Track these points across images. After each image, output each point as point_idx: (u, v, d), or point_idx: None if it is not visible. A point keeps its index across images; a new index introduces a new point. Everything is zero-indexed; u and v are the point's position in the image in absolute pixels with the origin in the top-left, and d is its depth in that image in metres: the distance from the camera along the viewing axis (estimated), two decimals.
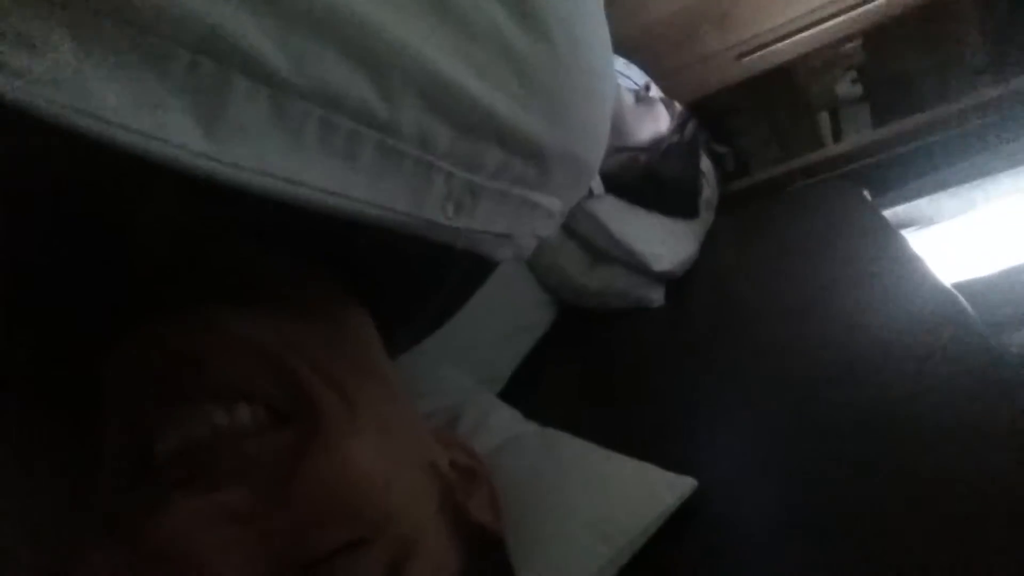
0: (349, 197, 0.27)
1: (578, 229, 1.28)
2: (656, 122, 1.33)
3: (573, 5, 0.35)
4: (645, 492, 0.68)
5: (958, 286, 0.92)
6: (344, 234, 0.33)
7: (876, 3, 1.40)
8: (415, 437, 0.39)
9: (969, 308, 0.85)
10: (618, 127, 1.33)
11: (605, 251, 1.26)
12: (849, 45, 1.65)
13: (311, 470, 0.30)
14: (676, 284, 1.28)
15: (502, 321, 1.18)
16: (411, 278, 0.44)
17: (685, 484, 0.69)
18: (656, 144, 1.32)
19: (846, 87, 1.68)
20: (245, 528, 0.29)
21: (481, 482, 0.42)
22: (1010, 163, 1.21)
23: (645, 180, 1.30)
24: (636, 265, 1.23)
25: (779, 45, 1.54)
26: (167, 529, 0.28)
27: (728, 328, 1.06)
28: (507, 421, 0.84)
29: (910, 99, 1.57)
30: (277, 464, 0.31)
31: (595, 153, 0.42)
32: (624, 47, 1.45)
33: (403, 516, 0.33)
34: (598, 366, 1.11)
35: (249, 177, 0.23)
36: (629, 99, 1.32)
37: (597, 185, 1.29)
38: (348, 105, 0.25)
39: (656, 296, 1.25)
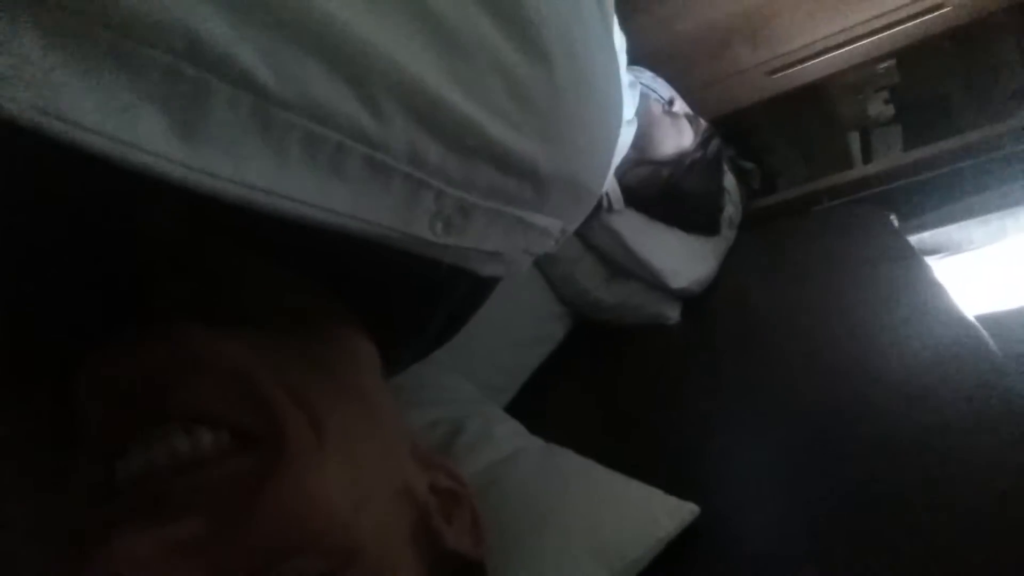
0: (331, 210, 0.26)
1: (596, 242, 1.27)
2: (680, 137, 1.32)
3: (576, 29, 0.34)
4: (647, 516, 0.67)
5: (983, 318, 0.90)
6: (346, 250, 0.33)
7: (912, 23, 1.37)
8: (390, 462, 0.37)
9: (991, 342, 0.83)
10: (643, 140, 1.31)
11: (623, 266, 1.25)
12: (883, 65, 1.62)
13: (271, 498, 0.29)
14: (693, 302, 1.27)
15: (515, 331, 1.18)
16: (414, 295, 0.43)
17: (687, 510, 0.68)
18: (680, 159, 1.30)
19: (878, 107, 1.65)
20: (200, 560, 0.27)
21: (463, 505, 0.40)
22: None
23: (667, 195, 1.28)
24: (654, 281, 1.22)
25: (811, 63, 1.51)
26: (113, 561, 0.27)
27: (744, 349, 1.05)
28: (511, 434, 0.84)
29: (943, 122, 1.54)
30: (237, 491, 0.29)
31: (596, 176, 0.41)
32: (652, 59, 1.44)
33: (371, 547, 0.32)
34: (609, 382, 1.10)
35: (225, 186, 0.23)
36: (656, 110, 1.31)
37: (617, 200, 1.28)
38: (335, 119, 0.25)
39: (672, 313, 1.24)
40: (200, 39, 0.20)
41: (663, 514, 0.68)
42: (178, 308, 0.34)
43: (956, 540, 0.59)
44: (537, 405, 1.05)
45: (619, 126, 0.46)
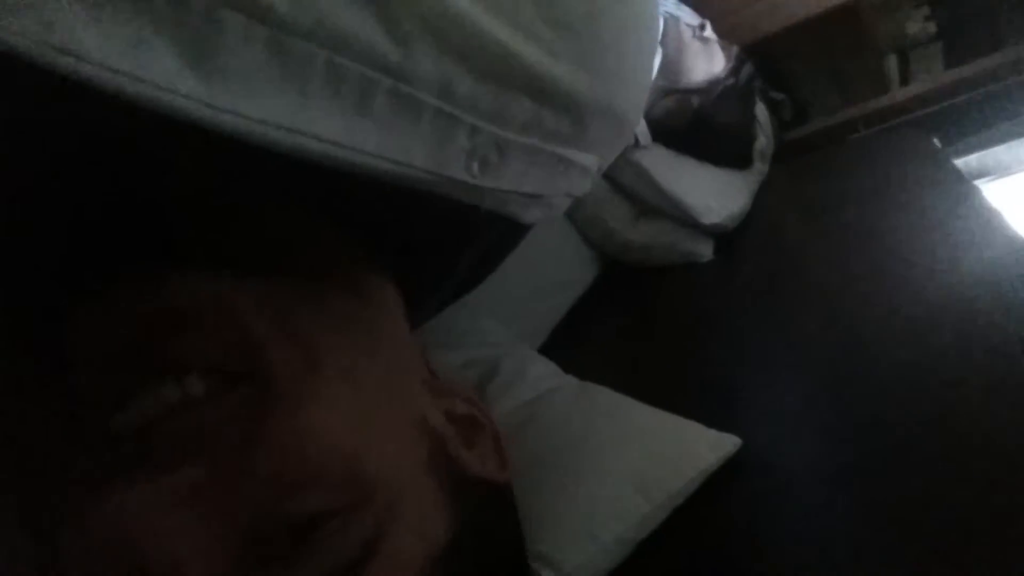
0: (360, 150, 0.25)
1: (623, 181, 1.23)
2: (711, 63, 1.26)
3: None
4: (687, 449, 0.66)
5: None
6: (372, 191, 0.31)
7: None
8: (399, 393, 0.36)
9: None
10: (672, 66, 1.26)
11: (652, 204, 1.21)
12: None
13: (269, 435, 0.28)
14: (726, 238, 1.23)
15: (543, 276, 1.16)
16: (443, 239, 0.42)
17: (729, 442, 0.67)
18: (711, 87, 1.25)
19: (918, 24, 1.55)
20: (202, 507, 0.27)
21: (484, 430, 0.40)
22: None
23: (696, 127, 1.23)
24: (684, 218, 1.18)
25: None
26: (114, 513, 0.26)
27: (780, 284, 1.01)
28: (546, 373, 0.83)
29: (989, 37, 1.44)
30: (232, 433, 0.29)
31: (636, 105, 0.39)
32: None
33: (384, 478, 0.31)
34: (642, 322, 1.08)
35: (248, 125, 0.22)
36: (687, 35, 1.25)
37: (644, 135, 1.23)
38: (356, 47, 0.23)
39: (705, 250, 1.21)
40: None
41: (704, 446, 0.66)
42: (181, 249, 0.34)
43: (997, 460, 0.57)
44: (569, 348, 1.03)
45: (656, 49, 0.43)
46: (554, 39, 0.29)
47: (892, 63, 1.60)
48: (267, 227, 0.37)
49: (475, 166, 0.30)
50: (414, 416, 0.36)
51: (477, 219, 0.35)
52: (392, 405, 0.35)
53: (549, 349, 1.03)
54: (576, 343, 1.07)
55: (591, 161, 0.38)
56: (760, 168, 1.37)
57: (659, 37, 0.41)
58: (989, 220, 0.92)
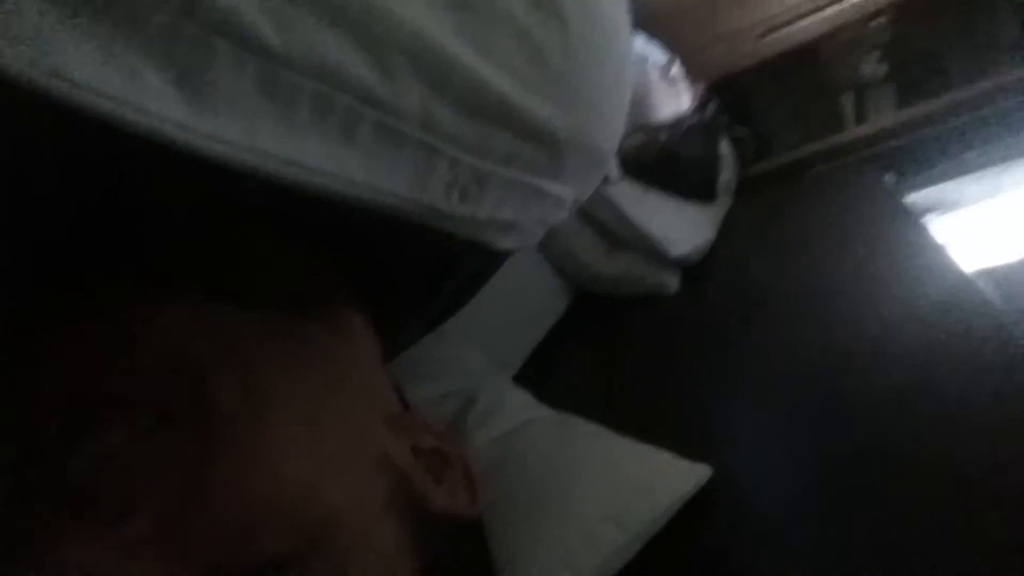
0: (343, 178, 0.26)
1: (594, 214, 1.27)
2: (678, 100, 1.32)
3: None
4: (660, 479, 0.68)
5: (983, 273, 0.91)
6: (353, 220, 0.32)
7: None
8: (358, 429, 0.35)
9: (991, 297, 0.84)
10: (641, 104, 1.31)
11: (621, 236, 1.25)
12: (876, 22, 1.60)
13: (218, 478, 0.27)
14: (692, 270, 1.27)
15: (516, 307, 1.18)
16: (423, 267, 0.43)
17: (701, 471, 0.69)
18: (677, 123, 1.30)
19: (871, 66, 1.63)
20: (155, 560, 0.26)
21: (453, 464, 0.39)
22: None
23: (663, 161, 1.28)
24: (652, 250, 1.22)
25: (802, 23, 1.50)
26: (62, 570, 0.25)
27: (745, 314, 1.05)
28: (522, 404, 0.85)
29: (937, 79, 1.53)
30: (182, 476, 0.27)
31: (611, 141, 0.40)
32: (645, 25, 1.43)
33: (341, 518, 0.30)
34: (613, 352, 1.11)
35: (235, 153, 0.22)
36: (654, 75, 1.30)
37: (614, 169, 1.27)
38: (344, 80, 0.24)
39: (672, 282, 1.25)
40: None
41: (677, 476, 0.68)
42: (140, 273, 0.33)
43: (961, 491, 0.60)
44: (542, 379, 1.05)
45: (631, 82, 0.45)
46: (533, 76, 0.30)
47: (848, 102, 1.68)
48: (229, 255, 0.37)
49: (455, 195, 0.30)
50: (376, 452, 0.35)
51: (456, 247, 0.35)
52: (351, 441, 0.34)
53: (522, 378, 1.05)
54: (548, 373, 1.09)
55: (567, 192, 0.38)
56: (724, 201, 1.42)
57: (631, 76, 0.43)
58: (934, 254, 0.97)
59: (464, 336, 0.99)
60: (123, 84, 0.19)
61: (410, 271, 0.43)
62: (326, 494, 0.30)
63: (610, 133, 0.39)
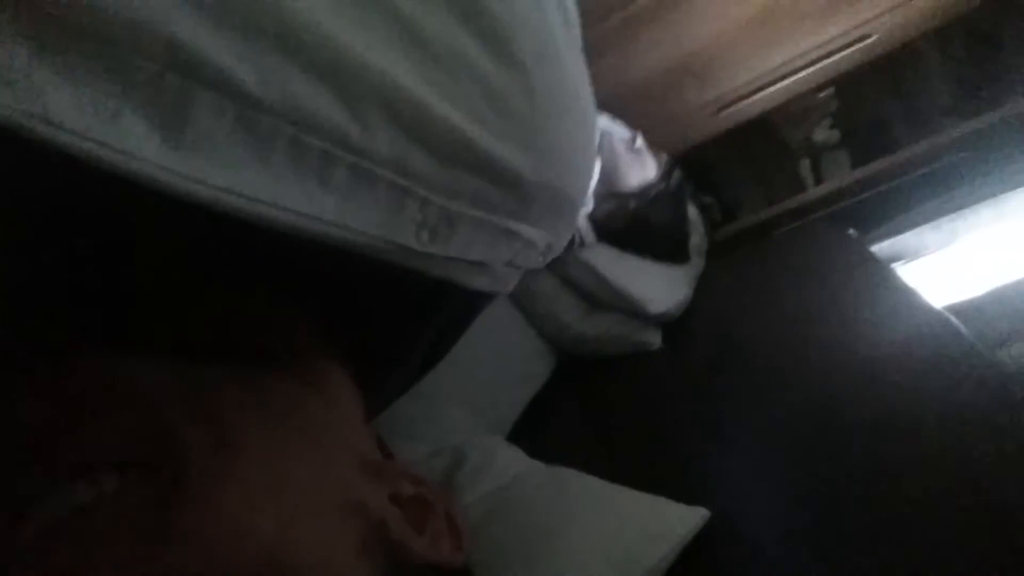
0: (317, 218, 0.26)
1: (573, 278, 1.30)
2: (644, 170, 1.38)
3: (547, 41, 0.36)
4: (659, 523, 0.67)
5: (947, 309, 0.94)
6: (333, 272, 0.32)
7: (844, 53, 1.48)
8: (332, 476, 0.34)
9: (962, 327, 0.87)
10: (609, 175, 1.37)
11: (601, 297, 1.27)
12: (823, 94, 1.73)
13: (181, 529, 0.26)
14: (673, 327, 1.29)
15: (502, 372, 1.17)
16: (399, 316, 0.43)
17: (697, 514, 0.68)
18: (645, 191, 1.36)
19: (824, 133, 1.74)
20: None
21: (435, 511, 0.38)
22: (985, 194, 1.26)
23: (635, 226, 1.33)
24: (632, 309, 1.24)
25: (756, 97, 1.60)
26: None
27: (727, 364, 1.07)
28: (513, 459, 0.83)
29: (885, 140, 1.64)
30: (146, 531, 0.27)
31: (576, 184, 0.41)
32: (609, 105, 1.52)
33: (307, 568, 0.29)
34: (602, 409, 1.11)
35: (212, 194, 0.23)
36: (620, 148, 1.38)
37: (588, 234, 1.32)
38: (320, 125, 0.25)
39: (654, 339, 1.26)
40: (182, 45, 0.21)
41: (675, 520, 0.68)
42: (108, 333, 0.33)
43: (951, 515, 0.61)
44: (532, 438, 1.04)
45: (594, 138, 0.47)
46: (499, 123, 0.31)
47: (806, 165, 1.78)
48: (200, 303, 0.36)
49: (425, 235, 0.31)
50: (350, 500, 0.34)
51: (430, 292, 0.36)
52: (323, 489, 0.33)
53: (512, 438, 1.04)
54: (538, 432, 1.08)
55: (538, 236, 0.40)
56: (697, 262, 1.46)
57: (595, 130, 0.46)
58: (904, 294, 1.01)
59: (452, 400, 0.98)
60: (109, 129, 0.20)
61: (386, 320, 0.43)
62: (295, 543, 0.29)
63: (574, 179, 0.41)
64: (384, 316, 0.42)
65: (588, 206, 1.34)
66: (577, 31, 0.49)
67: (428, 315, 0.44)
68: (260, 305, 0.38)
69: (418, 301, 0.42)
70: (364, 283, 0.37)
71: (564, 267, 1.29)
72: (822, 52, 1.48)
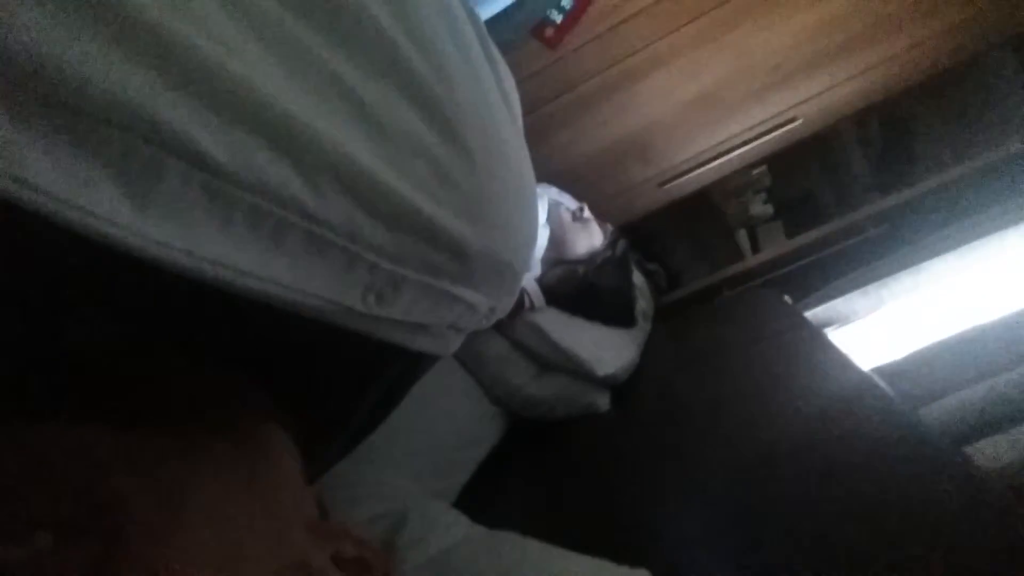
0: (270, 280, 0.27)
1: (523, 340, 1.32)
2: (591, 238, 1.45)
3: (489, 124, 0.39)
4: None
5: (874, 370, 0.99)
6: (273, 334, 0.33)
7: (774, 135, 1.60)
8: (276, 536, 0.34)
9: (887, 389, 0.92)
10: (558, 242, 1.43)
11: (550, 359, 1.30)
12: (757, 171, 1.85)
13: None
14: (620, 390, 1.32)
15: (451, 435, 1.17)
16: (342, 380, 0.43)
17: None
18: (592, 258, 1.42)
19: (759, 207, 1.86)
20: None
21: (374, 572, 0.39)
22: (906, 263, 1.35)
23: (583, 291, 1.38)
24: (581, 371, 1.27)
25: (695, 173, 1.70)
26: None
27: (672, 424, 1.09)
28: (455, 524, 0.83)
29: (815, 213, 1.75)
30: None
31: (517, 253, 0.44)
32: (559, 177, 1.59)
33: None
34: (549, 471, 1.11)
35: (174, 256, 0.24)
36: (567, 218, 1.44)
37: (538, 297, 1.36)
38: (279, 196, 0.26)
39: (602, 401, 1.28)
40: (160, 122, 0.23)
41: None
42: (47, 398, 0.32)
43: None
44: (479, 503, 1.03)
45: (535, 211, 0.51)
46: (446, 196, 0.34)
47: (743, 236, 1.88)
48: (147, 367, 0.37)
49: (371, 298, 0.32)
50: (294, 558, 0.34)
51: (374, 354, 0.37)
52: (267, 548, 0.33)
53: (459, 505, 1.02)
54: (486, 498, 1.07)
55: (479, 300, 0.41)
56: (644, 327, 1.51)
57: (536, 204, 0.48)
58: (834, 356, 1.06)
59: (395, 464, 0.97)
60: (79, 191, 0.21)
61: (329, 382, 0.43)
62: None
63: (515, 248, 0.43)
64: (326, 378, 0.43)
65: (536, 271, 1.38)
66: (519, 118, 0.53)
67: (371, 377, 0.45)
68: (201, 366, 0.38)
69: (361, 363, 0.42)
70: (307, 345, 0.38)
71: (515, 330, 1.32)
72: (754, 133, 1.60)
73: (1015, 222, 1.23)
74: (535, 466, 1.16)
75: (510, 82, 0.51)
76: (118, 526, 0.28)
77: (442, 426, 1.16)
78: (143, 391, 0.36)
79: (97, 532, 0.28)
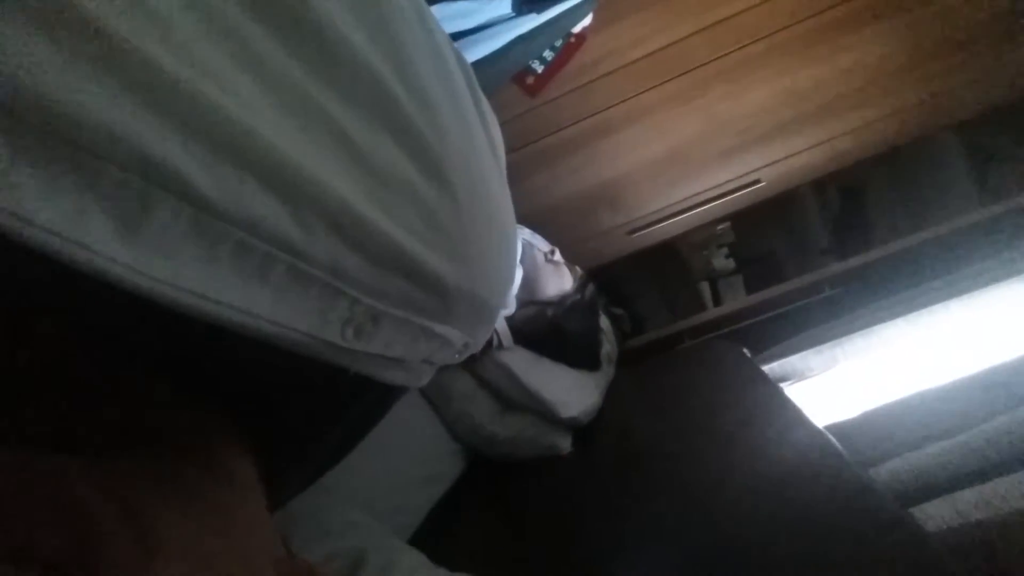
0: (253, 314, 0.28)
1: (488, 378, 1.33)
2: (562, 281, 1.47)
3: (474, 165, 0.41)
4: None
5: (828, 428, 1.03)
6: (243, 364, 0.33)
7: (738, 194, 1.66)
8: (247, 571, 0.34)
9: (840, 447, 0.95)
10: (530, 282, 1.45)
11: (515, 399, 1.31)
12: (721, 226, 1.92)
13: None
14: (582, 433, 1.33)
15: (411, 470, 1.16)
16: (311, 412, 0.43)
17: None
18: (562, 300, 1.44)
19: (721, 261, 1.93)
20: None
21: None
22: (859, 326, 1.41)
23: (551, 333, 1.40)
24: (544, 412, 1.28)
25: (662, 224, 1.75)
26: None
27: (632, 470, 1.11)
28: (415, 565, 0.82)
29: (775, 270, 1.83)
30: None
31: (495, 293, 0.45)
32: (533, 219, 1.62)
33: None
34: (510, 511, 1.11)
35: (160, 288, 0.24)
36: (540, 259, 1.47)
37: (507, 337, 1.37)
38: (266, 232, 0.27)
39: (564, 443, 1.29)
40: (153, 157, 0.23)
41: None
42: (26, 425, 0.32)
43: None
44: (438, 540, 1.02)
45: (515, 251, 0.52)
46: (429, 235, 0.35)
47: (705, 288, 1.94)
48: (121, 401, 0.36)
49: (350, 332, 0.33)
50: None
51: (345, 386, 0.37)
52: None
53: (417, 542, 1.01)
54: (445, 535, 1.07)
55: (455, 335, 0.42)
56: (608, 371, 1.53)
57: (517, 243, 0.50)
58: (790, 412, 1.10)
59: (356, 500, 0.96)
60: (71, 224, 0.22)
61: (297, 413, 0.43)
62: None
63: (493, 286, 0.44)
64: (295, 409, 0.43)
65: (510, 309, 1.40)
66: (502, 159, 0.55)
67: (340, 409, 0.45)
68: (169, 394, 0.38)
69: (331, 395, 0.42)
70: (277, 376, 0.38)
71: (482, 367, 1.32)
72: (719, 191, 1.67)
73: (960, 293, 1.30)
74: (493, 505, 1.15)
75: (495, 126, 0.53)
76: (93, 565, 0.27)
77: (403, 460, 1.15)
78: (118, 420, 0.36)
79: (73, 566, 0.26)
